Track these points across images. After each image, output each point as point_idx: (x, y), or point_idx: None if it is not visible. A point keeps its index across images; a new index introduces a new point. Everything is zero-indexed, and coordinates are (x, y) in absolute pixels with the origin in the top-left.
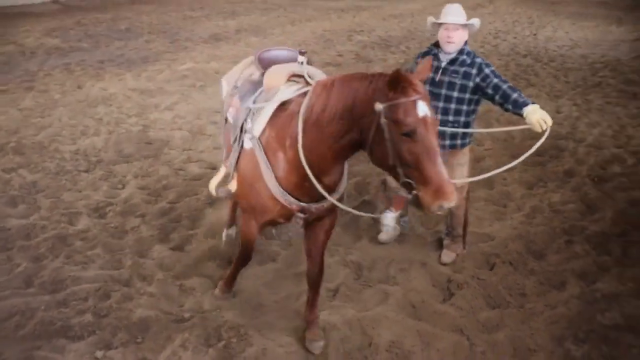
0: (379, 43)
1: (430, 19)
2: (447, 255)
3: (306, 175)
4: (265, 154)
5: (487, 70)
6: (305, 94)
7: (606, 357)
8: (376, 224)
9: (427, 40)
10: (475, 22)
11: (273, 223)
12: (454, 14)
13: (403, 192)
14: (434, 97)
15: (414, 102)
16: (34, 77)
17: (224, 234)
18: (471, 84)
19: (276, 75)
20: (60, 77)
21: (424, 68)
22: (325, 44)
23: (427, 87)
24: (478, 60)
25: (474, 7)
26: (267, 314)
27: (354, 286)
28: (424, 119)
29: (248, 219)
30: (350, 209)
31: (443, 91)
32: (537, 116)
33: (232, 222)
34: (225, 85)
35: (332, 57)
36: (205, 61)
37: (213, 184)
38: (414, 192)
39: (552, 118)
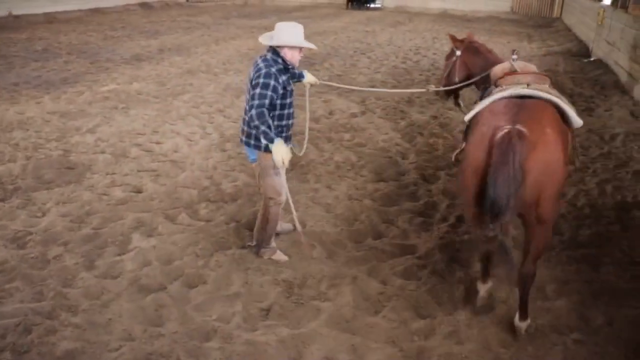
0: (302, 61)
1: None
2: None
3: None
4: None
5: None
6: None
7: (532, 357)
8: None
9: (350, 57)
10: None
11: None
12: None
13: None
14: (289, 106)
15: None
16: None
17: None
18: None
19: None
20: None
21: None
22: (250, 62)
23: (287, 99)
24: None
25: (394, 25)
26: (198, 339)
27: (287, 304)
28: None
29: None
30: None
31: (291, 99)
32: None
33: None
34: None
35: None
36: (127, 82)
37: None
38: None
39: None
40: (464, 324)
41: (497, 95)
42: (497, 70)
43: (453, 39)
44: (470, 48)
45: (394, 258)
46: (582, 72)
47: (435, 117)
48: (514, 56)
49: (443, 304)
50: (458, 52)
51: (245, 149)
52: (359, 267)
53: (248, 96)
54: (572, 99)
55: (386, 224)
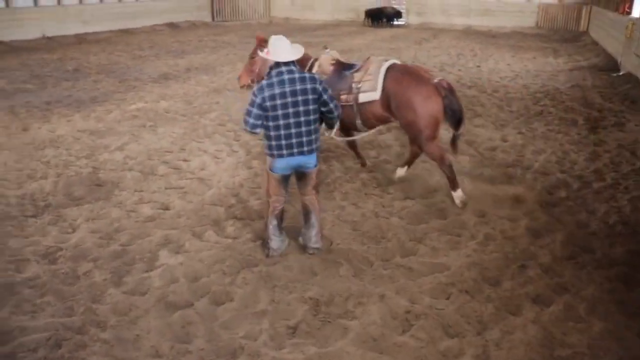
0: None
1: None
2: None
3: None
4: None
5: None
6: None
7: None
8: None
9: None
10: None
11: None
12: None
13: None
14: None
15: None
16: None
17: None
18: None
19: None
20: (5, 119)
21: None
22: None
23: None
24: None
25: (419, 42)
26: (225, 356)
27: (313, 322)
28: None
29: None
30: None
31: None
32: None
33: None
34: None
35: None
36: (155, 100)
37: None
38: None
39: (499, 146)
40: (493, 344)
41: (383, 67)
42: (323, 60)
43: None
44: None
45: (421, 276)
46: (611, 87)
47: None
48: (328, 50)
49: (472, 323)
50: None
51: (305, 160)
52: (386, 285)
53: (305, 108)
54: (601, 114)
55: (414, 241)
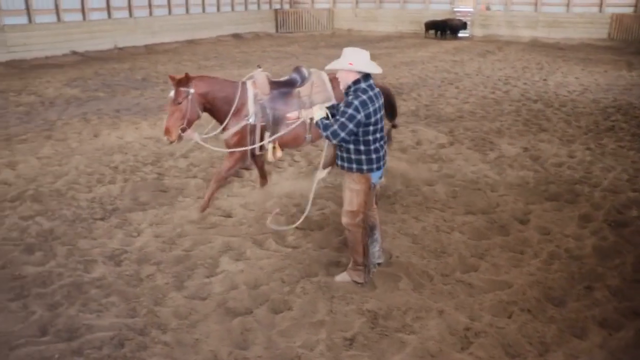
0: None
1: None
2: (343, 277)
3: None
4: None
5: (342, 106)
6: None
7: None
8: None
9: (438, 87)
10: (339, 67)
11: None
12: (337, 60)
13: None
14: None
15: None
16: (52, 127)
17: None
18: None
19: None
20: (78, 126)
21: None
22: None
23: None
24: (350, 97)
25: (483, 54)
26: None
27: (371, 335)
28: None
29: None
30: None
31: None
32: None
33: None
34: None
35: None
36: None
37: None
38: None
39: (566, 163)
40: None
41: (324, 76)
42: (261, 80)
43: (175, 78)
44: (203, 81)
45: (482, 293)
46: None
47: (526, 149)
48: (260, 69)
49: (534, 344)
50: (192, 90)
51: (381, 172)
52: (445, 300)
53: (382, 122)
54: None
55: (475, 257)
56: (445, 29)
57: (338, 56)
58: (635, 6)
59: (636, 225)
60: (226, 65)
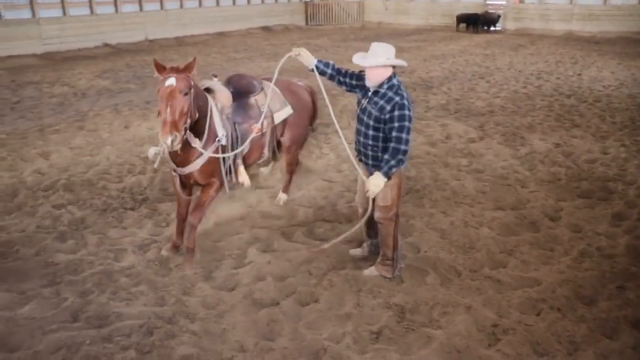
0: (420, 84)
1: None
2: (371, 271)
3: None
4: None
5: (396, 113)
6: None
7: None
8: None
9: (469, 81)
10: (382, 62)
11: None
12: (367, 55)
13: None
14: (359, 121)
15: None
16: (84, 117)
17: None
18: (382, 117)
19: None
20: (109, 117)
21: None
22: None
23: (358, 112)
24: (397, 98)
25: (515, 48)
26: (307, 356)
27: (397, 329)
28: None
29: None
30: None
31: (364, 117)
32: (370, 183)
33: None
34: None
35: None
36: None
37: None
38: None
39: (599, 159)
40: None
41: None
42: (220, 92)
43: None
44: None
45: (511, 290)
46: None
47: (558, 145)
48: (216, 79)
49: (563, 343)
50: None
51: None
52: (473, 296)
53: None
54: None
55: (504, 253)
56: (477, 22)
57: (367, 49)
58: None
59: None
60: (255, 57)
